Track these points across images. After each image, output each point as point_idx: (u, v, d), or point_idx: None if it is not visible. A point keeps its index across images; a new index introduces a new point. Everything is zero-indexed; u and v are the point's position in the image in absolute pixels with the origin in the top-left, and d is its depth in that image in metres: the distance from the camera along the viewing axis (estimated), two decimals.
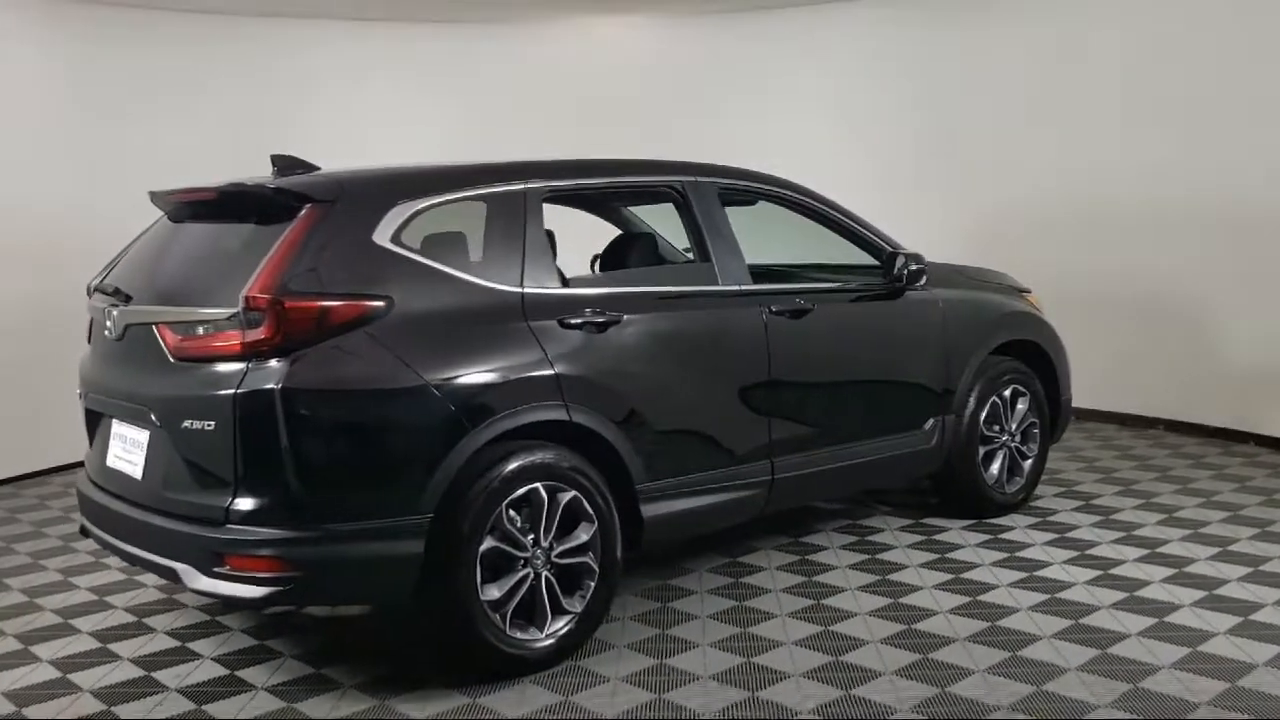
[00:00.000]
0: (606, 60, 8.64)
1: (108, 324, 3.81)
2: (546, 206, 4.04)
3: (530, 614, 3.72)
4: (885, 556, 4.86)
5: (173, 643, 4.15)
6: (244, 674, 3.84)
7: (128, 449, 3.74)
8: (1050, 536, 5.06)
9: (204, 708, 3.59)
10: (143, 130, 7.17)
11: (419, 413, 3.45)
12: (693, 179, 4.47)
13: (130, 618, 4.42)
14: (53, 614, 4.50)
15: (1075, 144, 7.55)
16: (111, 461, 3.84)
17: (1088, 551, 4.83)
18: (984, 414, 5.24)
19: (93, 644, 4.16)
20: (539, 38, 8.56)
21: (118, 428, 3.83)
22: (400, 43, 8.31)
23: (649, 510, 4.03)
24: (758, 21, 8.52)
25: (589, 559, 3.83)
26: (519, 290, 3.79)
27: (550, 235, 4.91)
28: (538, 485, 3.69)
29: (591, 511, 3.83)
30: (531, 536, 3.70)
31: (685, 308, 4.24)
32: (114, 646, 4.13)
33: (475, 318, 3.66)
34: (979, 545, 4.97)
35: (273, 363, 3.31)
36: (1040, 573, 4.58)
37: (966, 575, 4.58)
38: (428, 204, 3.74)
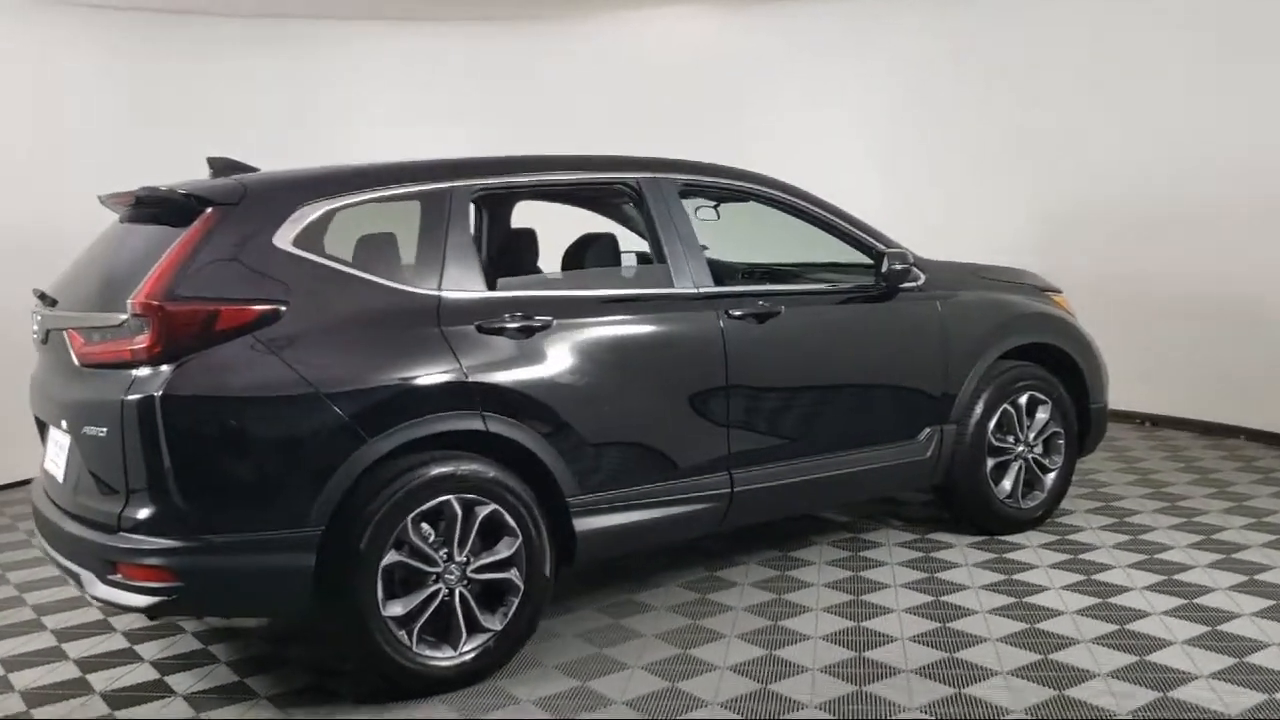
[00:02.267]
0: (650, 54, 8.43)
1: (34, 328, 3.84)
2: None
3: (445, 631, 3.58)
4: (871, 574, 4.54)
5: (123, 644, 4.17)
6: (172, 679, 3.83)
7: (56, 454, 3.76)
8: (1060, 558, 4.65)
9: (117, 713, 3.58)
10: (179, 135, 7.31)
11: (308, 422, 3.35)
12: (650, 175, 4.25)
13: (98, 615, 4.47)
14: (30, 610, 4.60)
15: (1149, 135, 7.00)
16: (47, 465, 3.87)
17: (1095, 576, 4.41)
18: (993, 423, 4.85)
19: (48, 643, 4.22)
20: (587, 33, 8.42)
21: (53, 433, 3.86)
22: (431, 39, 8.26)
23: (583, 525, 3.84)
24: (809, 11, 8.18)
25: (512, 575, 3.67)
26: (435, 294, 3.65)
27: (531, 234, 4.79)
28: (449, 498, 3.55)
29: (514, 526, 3.66)
30: (445, 551, 3.56)
31: (630, 311, 4.03)
32: (66, 646, 4.17)
33: (381, 323, 3.54)
34: (977, 565, 4.60)
35: (157, 369, 3.26)
36: (1031, 599, 4.20)
37: (948, 598, 4.24)
38: (337, 205, 3.64)
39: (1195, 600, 4.11)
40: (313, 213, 3.56)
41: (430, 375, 3.54)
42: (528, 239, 4.78)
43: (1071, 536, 4.93)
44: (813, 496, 4.60)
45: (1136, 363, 6.86)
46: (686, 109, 8.18)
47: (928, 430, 4.71)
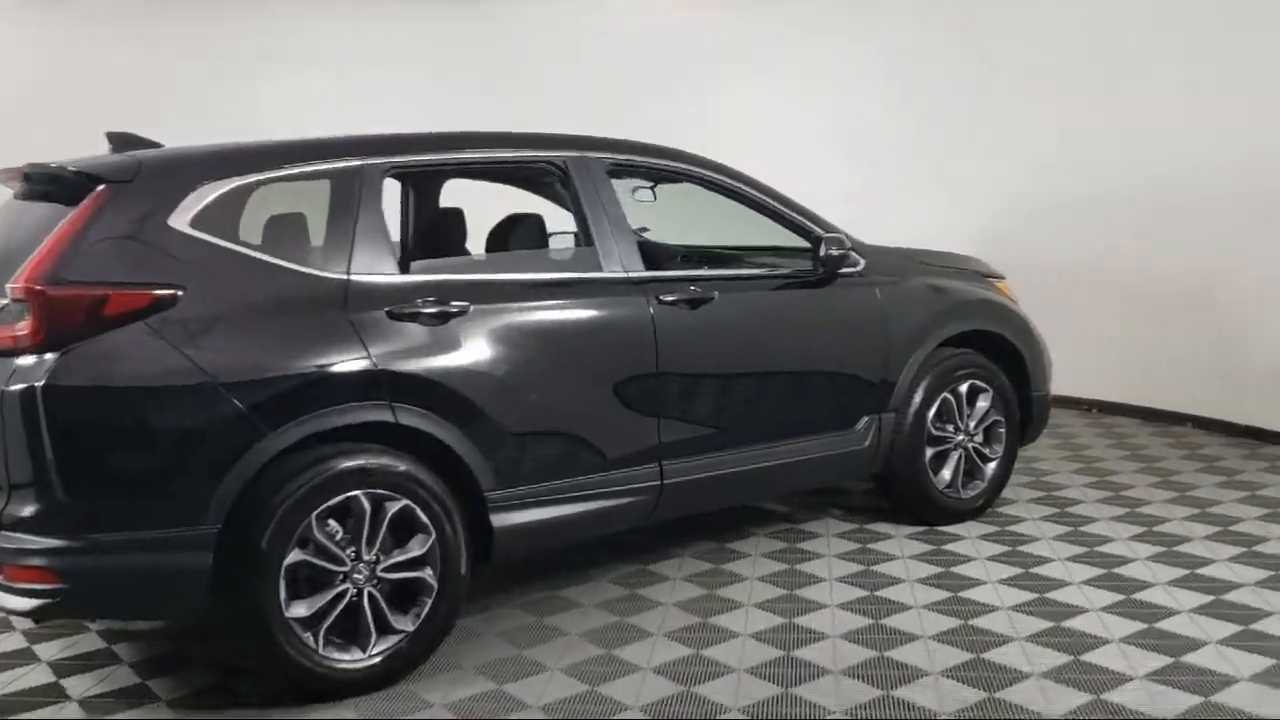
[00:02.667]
0: (615, 31, 8.24)
1: None
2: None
3: (353, 632, 3.41)
4: (807, 567, 4.42)
5: (20, 644, 3.97)
6: (69, 682, 3.63)
7: None
8: (998, 550, 4.55)
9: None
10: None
11: (203, 415, 3.16)
12: (577, 154, 4.08)
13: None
14: None
15: (1129, 126, 6.92)
16: None
17: (1033, 570, 4.31)
18: (932, 411, 4.74)
19: None
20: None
21: None
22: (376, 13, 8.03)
23: (501, 521, 3.68)
24: None
25: (426, 574, 3.51)
26: (343, 278, 3.46)
27: (458, 214, 4.60)
28: (357, 493, 3.37)
29: (428, 522, 3.50)
30: (353, 549, 3.39)
31: (554, 296, 3.86)
32: None
33: (285, 309, 3.35)
34: (914, 557, 4.49)
35: (39, 357, 3.05)
36: (967, 593, 4.10)
37: (883, 593, 4.13)
38: (241, 184, 3.44)
39: (1134, 596, 4.02)
40: (213, 192, 3.36)
41: (335, 364, 3.35)
42: (454, 219, 4.58)
43: (1011, 528, 4.83)
44: (747, 488, 4.47)
45: (1084, 349, 6.79)
46: (641, 89, 8.00)
47: (866, 419, 4.59)
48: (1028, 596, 4.04)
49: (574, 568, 4.46)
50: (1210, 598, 3.97)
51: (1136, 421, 6.95)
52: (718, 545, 4.72)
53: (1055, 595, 4.04)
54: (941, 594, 4.09)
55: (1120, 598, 4.00)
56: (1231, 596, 3.98)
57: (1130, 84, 6.79)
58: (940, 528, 4.84)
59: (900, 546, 4.63)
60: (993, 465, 4.97)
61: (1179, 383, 6.78)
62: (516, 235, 4.18)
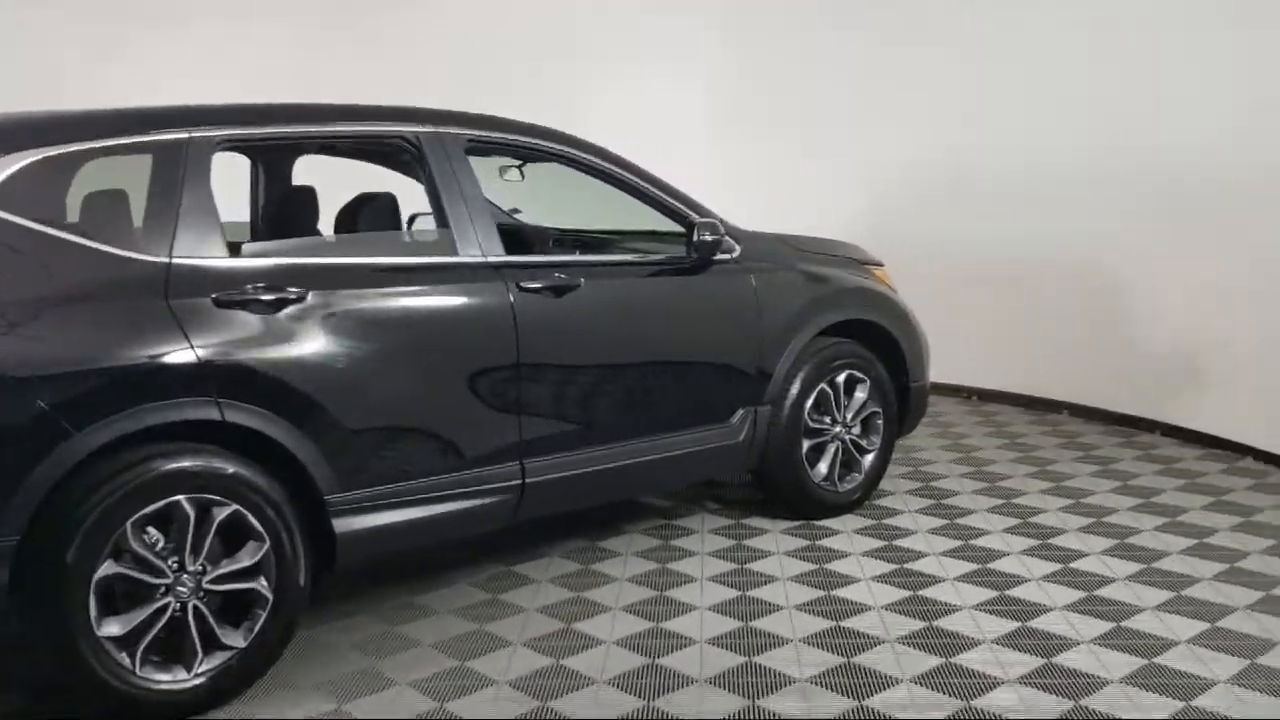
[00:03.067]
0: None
1: None
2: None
3: (177, 650, 3.11)
4: (680, 566, 4.24)
5: None
6: None
7: None
8: (874, 545, 4.43)
9: None
10: None
11: None
12: (431, 130, 3.80)
13: None
14: None
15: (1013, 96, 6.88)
16: None
17: (908, 565, 4.21)
18: (809, 403, 4.59)
19: None
20: None
21: None
22: None
23: (344, 525, 3.41)
24: None
25: (259, 585, 3.22)
26: (164, 261, 3.15)
27: (309, 193, 4.29)
28: (180, 499, 3.07)
29: (260, 529, 3.21)
30: (175, 560, 3.08)
31: (404, 282, 3.60)
32: None
33: (96, 295, 3.02)
34: (789, 554, 4.35)
35: None
36: (839, 591, 3.97)
37: (755, 592, 3.97)
38: (51, 156, 3.09)
39: (1007, 592, 3.93)
40: (12, 165, 3.01)
41: (151, 356, 3.04)
42: (305, 198, 4.27)
43: (888, 521, 4.73)
44: (616, 486, 4.26)
45: (964, 336, 6.77)
46: (516, 68, 7.71)
47: (741, 412, 4.42)
48: (901, 595, 3.92)
49: (435, 570, 4.21)
50: (1083, 594, 3.91)
51: (1016, 409, 6.95)
52: (589, 543, 4.52)
53: (929, 593, 3.93)
54: (814, 593, 3.95)
55: (994, 594, 3.91)
56: (1104, 592, 3.92)
57: (1003, 69, 6.76)
58: (817, 522, 4.72)
59: (775, 542, 4.49)
60: (870, 457, 4.86)
61: (1056, 370, 6.80)
62: (365, 216, 3.90)
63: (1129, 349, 6.33)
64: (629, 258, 4.39)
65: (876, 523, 4.71)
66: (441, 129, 3.81)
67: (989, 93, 6.88)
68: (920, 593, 3.94)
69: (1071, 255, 6.54)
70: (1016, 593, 3.92)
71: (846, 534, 4.57)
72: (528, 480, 3.81)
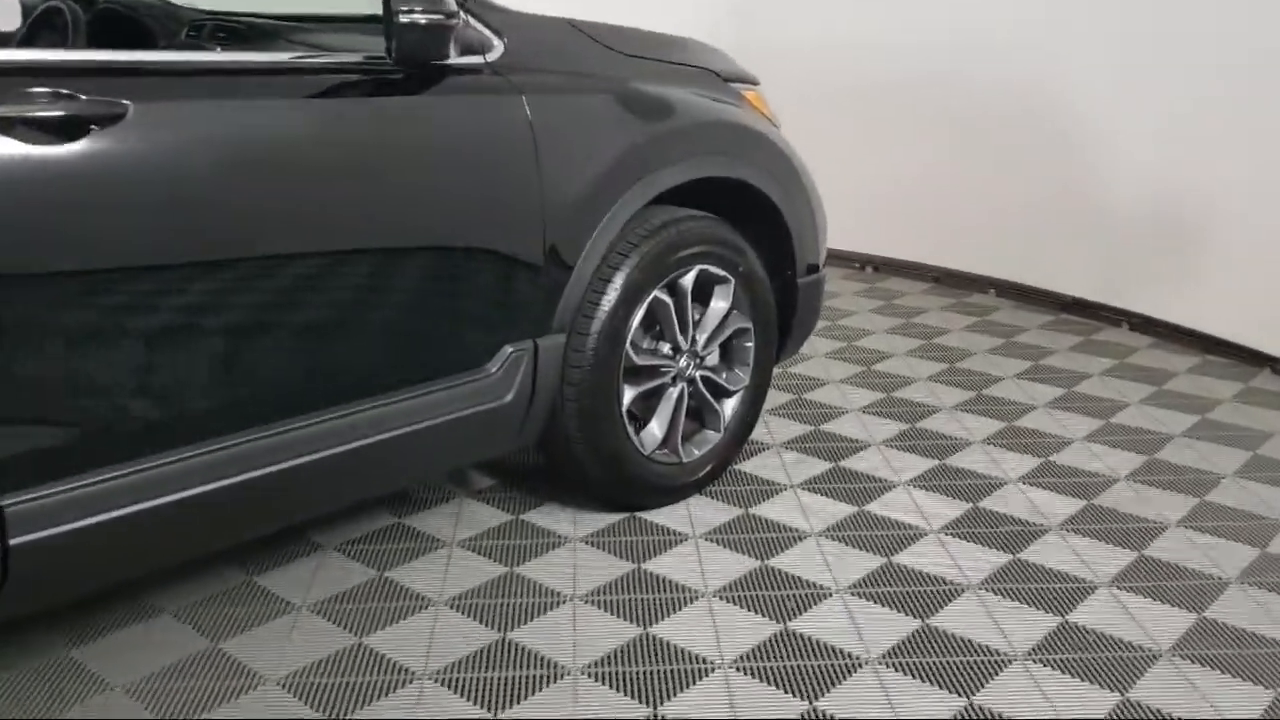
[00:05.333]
0: None
1: None
2: None
3: None
4: (385, 637, 2.34)
5: None
6: None
7: None
8: (739, 566, 2.60)
9: None
10: None
11: None
12: None
13: None
14: None
15: None
16: None
17: (791, 596, 2.39)
18: (633, 324, 2.67)
19: None
20: None
21: None
22: None
23: None
24: None
25: None
26: None
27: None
28: None
29: None
30: None
31: None
32: None
33: None
34: (588, 599, 2.49)
35: None
36: (676, 667, 2.14)
37: (517, 635, 2.14)
38: None
39: (929, 622, 2.17)
40: None
41: None
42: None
43: (758, 512, 2.90)
44: (223, 530, 2.21)
45: (856, 182, 4.89)
46: None
47: (509, 351, 2.47)
48: (777, 673, 2.12)
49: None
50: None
51: (921, 286, 5.19)
52: (244, 576, 2.57)
53: (822, 663, 2.14)
54: (624, 697, 2.11)
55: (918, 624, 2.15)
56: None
57: None
58: (645, 514, 2.87)
59: (569, 565, 2.62)
60: (733, 403, 3.00)
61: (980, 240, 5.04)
62: None
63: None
64: (265, 58, 2.31)
65: (742, 512, 2.89)
66: None
67: None
68: (813, 662, 2.15)
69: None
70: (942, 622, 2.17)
71: (693, 543, 2.74)
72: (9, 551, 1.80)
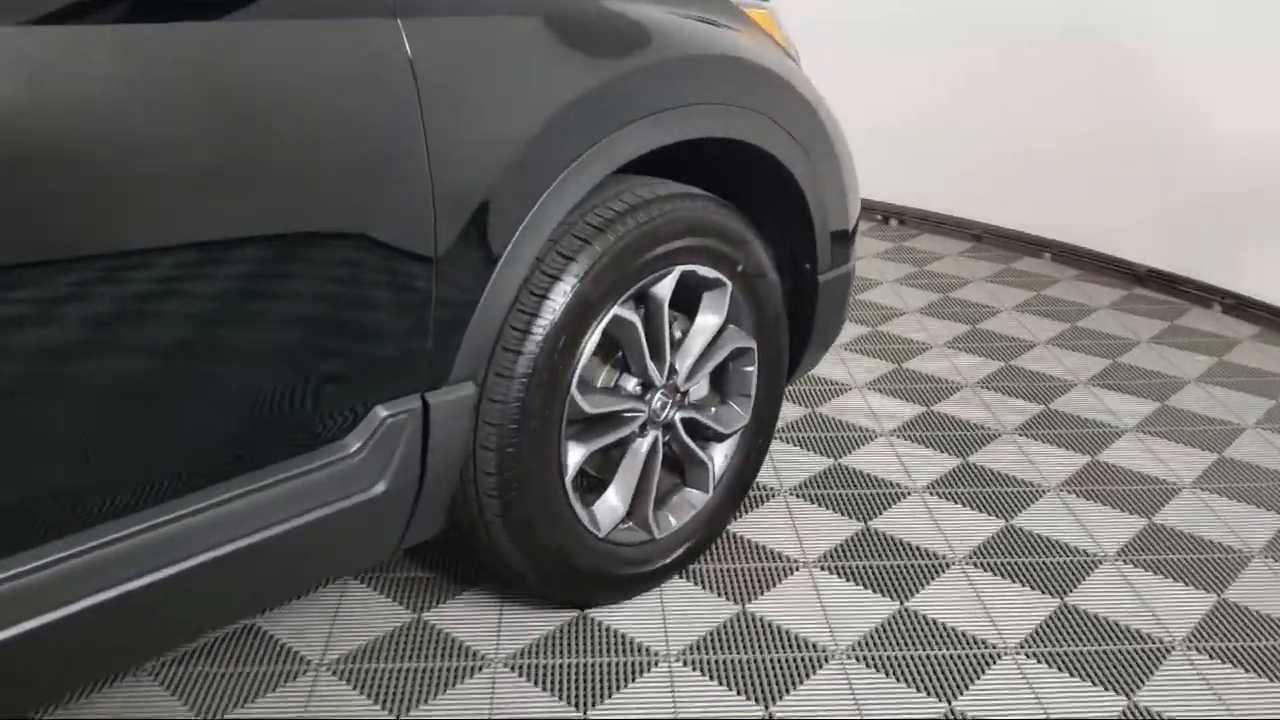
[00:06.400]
0: None
1: None
2: None
3: None
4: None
5: None
6: None
7: None
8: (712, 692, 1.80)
9: None
10: None
11: None
12: None
13: None
14: None
15: None
16: None
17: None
18: (580, 359, 1.80)
19: None
20: None
21: None
22: None
23: None
24: None
25: None
26: None
27: None
28: None
29: None
30: None
31: None
32: None
33: None
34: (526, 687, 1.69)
35: None
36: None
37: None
38: None
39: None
40: None
41: None
42: None
43: (763, 610, 2.08)
44: None
45: (885, 126, 4.01)
46: None
47: (381, 415, 1.59)
48: None
49: None
50: None
51: (959, 245, 4.32)
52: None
53: None
54: None
55: None
56: None
57: None
58: (597, 613, 2.04)
59: (495, 689, 1.80)
60: (726, 449, 2.15)
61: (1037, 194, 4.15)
62: None
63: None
64: None
65: (734, 612, 2.07)
66: None
67: None
68: None
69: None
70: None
71: (664, 660, 1.92)
72: None
